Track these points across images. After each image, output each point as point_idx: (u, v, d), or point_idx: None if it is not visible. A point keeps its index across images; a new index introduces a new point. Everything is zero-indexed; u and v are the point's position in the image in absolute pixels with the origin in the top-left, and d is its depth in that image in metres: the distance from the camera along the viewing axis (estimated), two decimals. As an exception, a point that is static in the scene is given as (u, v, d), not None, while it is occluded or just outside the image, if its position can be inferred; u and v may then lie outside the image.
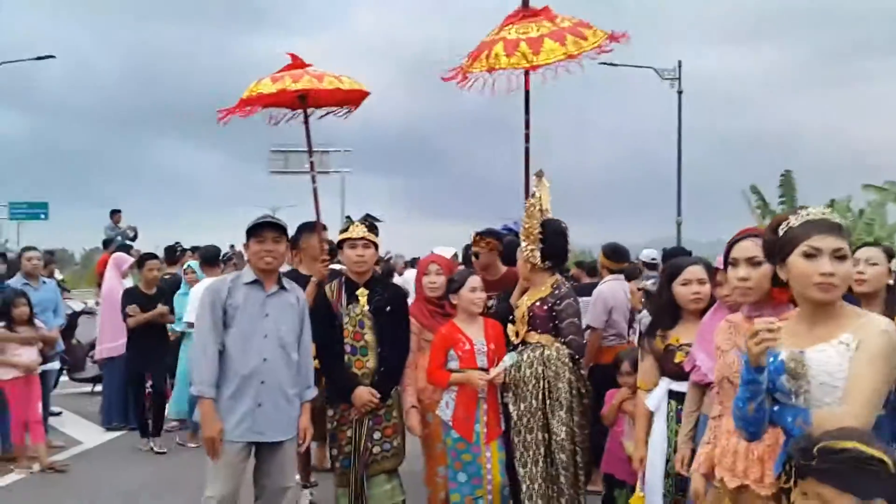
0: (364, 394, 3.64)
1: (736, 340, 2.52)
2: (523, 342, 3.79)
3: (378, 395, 3.66)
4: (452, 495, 3.76)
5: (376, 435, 3.72)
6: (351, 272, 3.87)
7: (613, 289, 5.20)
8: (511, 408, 3.72)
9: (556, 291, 3.79)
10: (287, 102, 4.42)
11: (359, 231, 3.79)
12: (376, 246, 3.86)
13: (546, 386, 3.67)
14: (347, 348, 3.73)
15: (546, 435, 3.67)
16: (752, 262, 2.49)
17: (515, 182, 4.62)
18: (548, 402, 3.67)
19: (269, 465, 3.43)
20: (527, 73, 4.10)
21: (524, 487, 3.65)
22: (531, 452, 3.66)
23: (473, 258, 4.59)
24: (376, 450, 3.71)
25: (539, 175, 3.86)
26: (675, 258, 3.71)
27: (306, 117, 4.46)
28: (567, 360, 3.72)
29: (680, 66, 20.63)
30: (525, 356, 3.73)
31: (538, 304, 3.78)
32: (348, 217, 4.10)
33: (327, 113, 4.59)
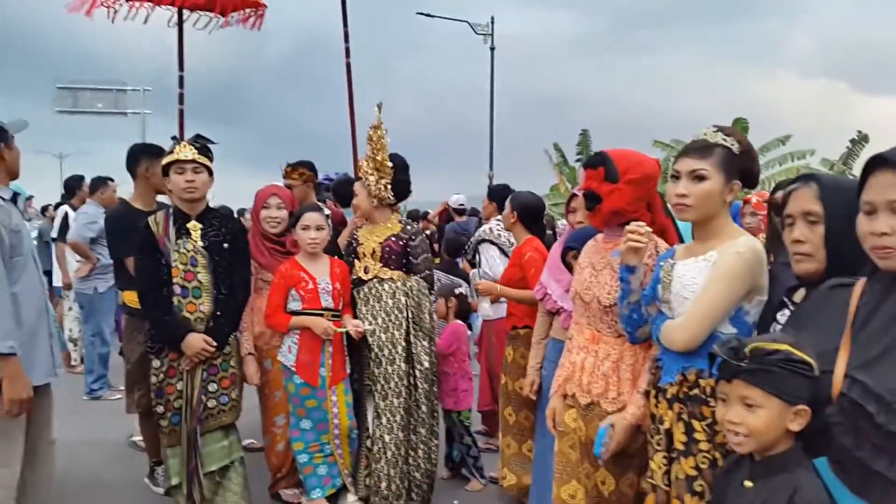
0: (197, 341, 3.22)
1: (592, 259, 2.59)
2: (376, 278, 3.64)
3: (214, 343, 3.27)
4: (295, 444, 3.56)
5: (212, 387, 3.33)
6: (180, 202, 3.35)
7: None
8: (370, 339, 3.55)
9: (409, 228, 3.74)
10: None
11: (188, 152, 3.29)
12: (210, 172, 3.36)
13: (410, 316, 3.58)
14: (177, 290, 3.26)
15: (408, 366, 3.58)
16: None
17: (333, 135, 4.38)
18: (412, 331, 3.58)
19: None
20: None
21: (384, 420, 3.53)
22: (392, 384, 3.54)
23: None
24: (212, 403, 3.32)
25: (380, 106, 3.67)
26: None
27: (181, 18, 3.78)
28: (427, 291, 3.69)
29: (493, 22, 20.92)
30: (385, 286, 3.61)
31: (393, 239, 3.66)
32: (174, 137, 3.51)
33: (212, 20, 4.04)
